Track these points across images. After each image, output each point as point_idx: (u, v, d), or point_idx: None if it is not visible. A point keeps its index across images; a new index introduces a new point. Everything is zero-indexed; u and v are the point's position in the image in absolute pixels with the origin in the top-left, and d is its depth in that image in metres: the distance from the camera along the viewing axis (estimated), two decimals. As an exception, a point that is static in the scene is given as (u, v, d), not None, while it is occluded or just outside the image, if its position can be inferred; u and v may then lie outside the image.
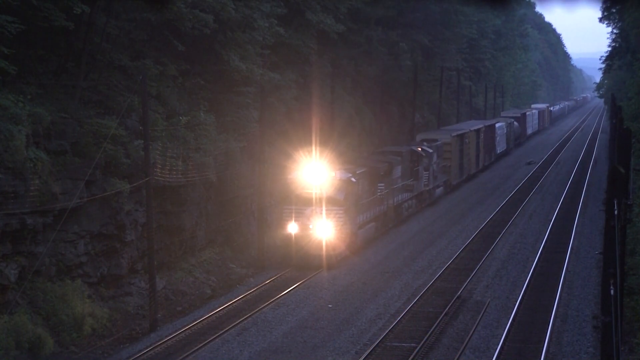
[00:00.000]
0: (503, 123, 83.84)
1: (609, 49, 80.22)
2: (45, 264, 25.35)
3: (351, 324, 27.18)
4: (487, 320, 27.33)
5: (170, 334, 25.96)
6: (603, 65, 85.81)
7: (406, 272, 34.52)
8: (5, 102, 23.95)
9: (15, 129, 23.52)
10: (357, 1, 50.76)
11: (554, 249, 38.91)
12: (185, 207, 32.95)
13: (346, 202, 35.10)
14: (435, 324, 26.64)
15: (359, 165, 39.14)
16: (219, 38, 35.56)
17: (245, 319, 27.71)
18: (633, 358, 23.34)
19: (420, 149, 48.63)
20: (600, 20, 74.76)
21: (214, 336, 25.76)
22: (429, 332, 25.67)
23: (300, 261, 34.35)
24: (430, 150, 50.21)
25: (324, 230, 34.31)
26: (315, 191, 34.62)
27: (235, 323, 27.14)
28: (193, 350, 24.54)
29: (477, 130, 67.36)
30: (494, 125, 77.33)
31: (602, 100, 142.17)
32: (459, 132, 60.42)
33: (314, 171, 34.80)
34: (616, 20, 73.06)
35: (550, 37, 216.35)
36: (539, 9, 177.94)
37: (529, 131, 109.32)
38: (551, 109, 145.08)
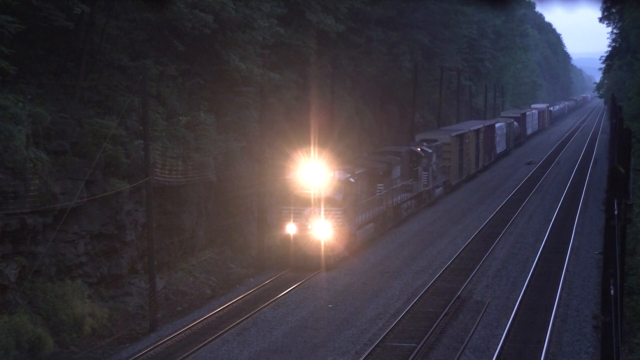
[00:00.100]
0: (503, 123, 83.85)
1: (609, 49, 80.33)
2: (45, 264, 25.34)
3: (351, 324, 27.17)
4: (487, 320, 27.32)
5: (170, 334, 25.96)
6: (603, 65, 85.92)
7: (406, 272, 34.52)
8: (5, 102, 23.94)
9: (15, 129, 23.52)
10: (357, 1, 50.76)
11: (554, 249, 38.91)
12: (185, 207, 32.94)
13: (345, 202, 34.99)
14: (435, 324, 26.63)
15: (357, 165, 39.00)
16: (219, 38, 35.56)
17: (245, 319, 27.70)
18: (633, 358, 23.34)
19: (419, 149, 48.56)
20: (600, 20, 74.85)
21: (214, 336, 25.75)
22: (429, 332, 25.67)
23: (299, 262, 34.23)
24: (430, 151, 50.15)
25: (322, 231, 34.17)
26: (314, 192, 34.47)
27: (235, 323, 27.13)
28: (193, 350, 24.53)
29: (477, 131, 67.35)
30: (493, 125, 77.34)
31: (602, 100, 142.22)
32: (459, 132, 60.40)
33: (313, 171, 34.67)
34: (616, 20, 73.11)
35: (550, 37, 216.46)
36: (539, 9, 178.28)
37: (529, 131, 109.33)
38: (551, 109, 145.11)
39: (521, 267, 35.29)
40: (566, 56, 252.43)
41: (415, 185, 47.26)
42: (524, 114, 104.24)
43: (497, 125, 79.11)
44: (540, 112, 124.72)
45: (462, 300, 29.90)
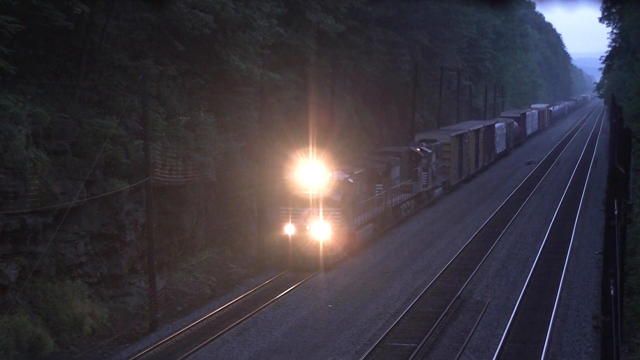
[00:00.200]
0: (502, 123, 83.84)
1: (609, 49, 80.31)
2: (45, 264, 25.34)
3: (351, 324, 27.17)
4: (487, 320, 27.32)
5: (170, 334, 25.95)
6: (603, 65, 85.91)
7: (406, 272, 34.51)
8: (5, 102, 23.95)
9: (15, 129, 23.52)
10: (357, 1, 50.76)
11: (554, 249, 38.91)
12: (185, 207, 32.94)
13: (343, 203, 34.84)
14: (435, 324, 26.63)
15: (356, 165, 38.85)
16: (219, 38, 35.56)
17: (245, 319, 27.70)
18: (633, 358, 23.34)
19: (419, 150, 48.45)
20: (600, 20, 74.83)
21: (214, 336, 25.75)
22: (429, 332, 25.67)
23: (297, 263, 34.11)
24: (429, 151, 50.07)
25: (321, 232, 34.04)
26: (312, 192, 34.34)
27: (235, 323, 27.13)
28: (193, 350, 24.53)
29: (477, 131, 67.33)
30: (493, 125, 77.33)
31: (602, 100, 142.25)
32: (458, 133, 60.37)
33: (311, 172, 34.55)
34: (616, 20, 73.10)
35: (550, 37, 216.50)
36: (539, 9, 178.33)
37: (529, 131, 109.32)
38: (551, 109, 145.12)
39: (521, 267, 35.29)
40: (566, 56, 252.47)
41: (414, 186, 47.15)
42: (524, 114, 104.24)
43: (496, 125, 79.11)
44: (540, 112, 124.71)
45: (462, 300, 29.90)
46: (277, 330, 26.62)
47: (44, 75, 28.16)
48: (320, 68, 50.83)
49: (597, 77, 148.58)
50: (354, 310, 28.79)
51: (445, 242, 40.88)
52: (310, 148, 35.80)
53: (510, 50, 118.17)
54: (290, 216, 34.28)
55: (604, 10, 70.68)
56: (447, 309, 28.35)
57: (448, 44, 77.73)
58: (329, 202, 34.36)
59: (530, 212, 50.02)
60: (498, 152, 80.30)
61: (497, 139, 79.01)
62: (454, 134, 58.86)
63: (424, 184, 49.47)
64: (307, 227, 34.14)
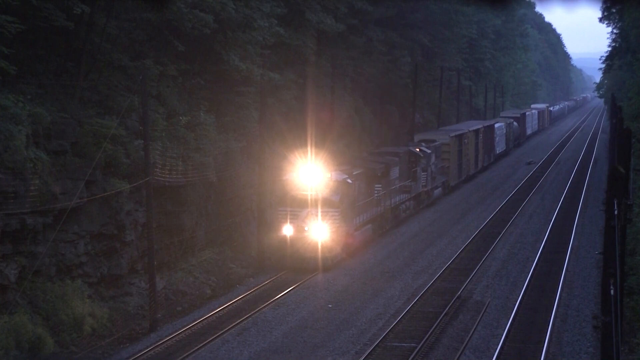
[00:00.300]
0: (502, 123, 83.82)
1: (609, 49, 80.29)
2: (45, 264, 25.34)
3: (351, 324, 27.17)
4: (487, 320, 27.33)
5: (170, 334, 25.96)
6: (603, 65, 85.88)
7: (406, 273, 34.51)
8: (5, 102, 23.95)
9: (15, 129, 23.52)
10: (358, 0, 50.75)
11: (554, 249, 38.91)
12: (185, 207, 32.94)
13: (342, 203, 34.71)
14: (435, 324, 26.63)
15: (355, 166, 38.71)
16: (219, 38, 35.55)
17: (245, 319, 27.70)
18: (633, 358, 23.34)
19: (418, 150, 48.35)
20: (600, 20, 74.81)
21: (214, 336, 25.75)
22: (429, 332, 25.67)
23: (296, 264, 33.97)
24: (429, 151, 49.99)
25: (319, 233, 33.90)
26: (311, 193, 34.20)
27: (235, 323, 27.13)
28: (193, 350, 24.53)
29: (476, 131, 67.31)
30: (493, 125, 77.31)
31: (602, 100, 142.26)
32: (458, 133, 60.33)
33: (309, 172, 34.41)
34: (616, 20, 73.08)
35: (550, 37, 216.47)
36: (539, 9, 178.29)
37: (529, 131, 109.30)
38: (551, 109, 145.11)
39: (521, 267, 35.29)
40: (566, 56, 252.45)
41: (413, 186, 47.02)
42: (524, 114, 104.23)
43: (496, 125, 79.10)
44: (540, 112, 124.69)
45: (462, 300, 29.90)
46: (277, 330, 26.62)
47: (44, 75, 28.16)
48: (320, 68, 50.82)
49: (597, 77, 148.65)
50: (354, 310, 28.79)
51: (445, 242, 40.88)
52: (309, 148, 35.71)
53: (510, 50, 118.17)
54: (288, 217, 34.14)
55: (604, 10, 70.71)
56: (447, 309, 28.35)
57: (448, 44, 77.72)
58: (327, 203, 34.24)
59: (530, 212, 50.02)
60: (498, 152, 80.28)
61: (497, 139, 79.00)
62: (453, 134, 58.83)
63: (423, 184, 49.38)
64: (306, 228, 33.99)
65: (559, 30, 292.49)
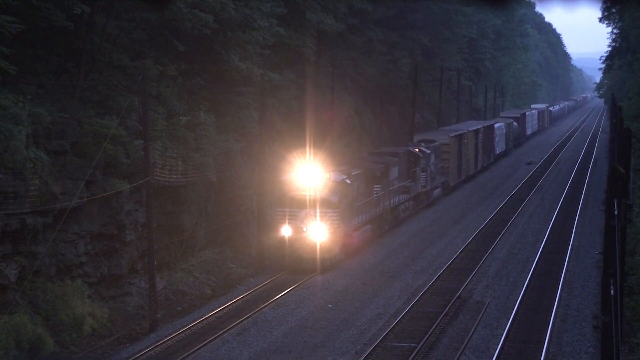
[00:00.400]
0: (502, 123, 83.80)
1: (609, 49, 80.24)
2: (45, 264, 25.34)
3: (351, 324, 27.18)
4: (487, 320, 27.33)
5: (170, 334, 25.96)
6: (603, 65, 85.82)
7: (406, 273, 34.50)
8: (5, 102, 23.95)
9: (15, 129, 23.52)
10: (357, 0, 50.74)
11: (554, 249, 38.91)
12: (185, 207, 32.94)
13: (341, 204, 34.57)
14: (435, 324, 26.64)
15: (354, 166, 38.58)
16: (219, 38, 35.56)
17: (245, 319, 27.70)
18: (633, 358, 23.34)
19: (417, 150, 48.25)
20: (600, 20, 74.75)
21: (214, 336, 25.75)
22: (429, 332, 25.67)
23: (294, 264, 33.86)
24: (428, 151, 49.91)
25: (318, 233, 33.77)
26: (309, 193, 34.05)
27: (235, 323, 27.14)
28: (193, 350, 24.53)
29: (476, 131, 67.28)
30: (492, 125, 77.29)
31: (602, 100, 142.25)
32: (458, 133, 60.29)
33: (308, 173, 34.25)
34: (616, 20, 73.03)
35: (550, 37, 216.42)
36: (539, 9, 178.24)
37: (529, 131, 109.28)
38: (551, 109, 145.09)
39: (521, 267, 35.29)
40: (566, 56, 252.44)
41: (413, 186, 46.90)
42: (524, 114, 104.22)
43: (496, 125, 79.08)
44: (540, 112, 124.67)
45: (462, 300, 29.90)
46: (277, 330, 26.62)
47: (44, 75, 28.16)
48: (320, 68, 50.82)
49: (597, 77, 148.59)
50: (354, 310, 28.79)
51: (445, 243, 40.87)
52: (308, 149, 35.58)
53: (510, 50, 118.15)
54: (287, 217, 34.02)
55: (604, 10, 70.65)
56: (447, 309, 28.35)
57: (448, 44, 77.69)
58: (326, 203, 34.10)
59: (530, 212, 50.02)
60: (497, 152, 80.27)
61: (497, 139, 78.99)
62: (453, 134, 58.79)
63: (423, 184, 49.28)
64: (304, 229, 33.84)
65: (559, 30, 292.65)
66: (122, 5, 32.08)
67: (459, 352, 24.03)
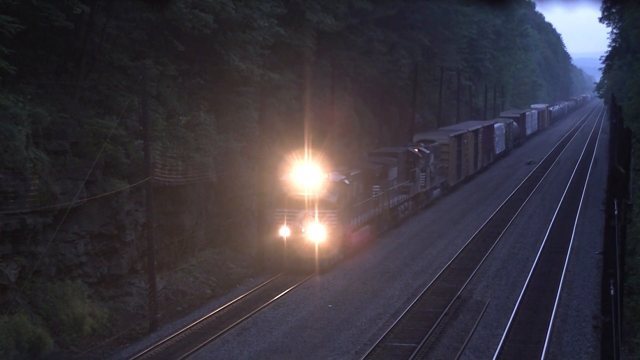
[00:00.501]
0: (502, 123, 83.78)
1: (609, 49, 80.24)
2: (45, 264, 25.35)
3: (351, 324, 27.18)
4: (487, 320, 27.33)
5: (170, 334, 25.96)
6: (603, 65, 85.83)
7: (406, 273, 34.50)
8: (5, 102, 23.96)
9: (15, 129, 23.53)
10: (357, 0, 50.76)
11: (554, 249, 38.91)
12: (185, 207, 32.95)
13: (339, 204, 34.43)
14: (435, 324, 26.64)
15: (353, 166, 38.45)
16: (219, 38, 35.57)
17: (245, 319, 27.70)
18: (633, 358, 23.35)
19: (417, 150, 48.16)
20: (600, 20, 74.76)
21: (214, 336, 25.75)
22: (429, 332, 25.67)
23: (292, 265, 33.74)
24: (427, 151, 49.84)
25: (316, 234, 33.63)
26: (308, 194, 33.89)
27: (235, 323, 27.14)
28: (193, 350, 24.53)
29: (476, 131, 67.26)
30: (492, 125, 77.27)
31: (602, 100, 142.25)
32: (457, 133, 60.25)
33: (306, 173, 34.11)
34: (616, 20, 73.04)
35: (550, 37, 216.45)
36: (539, 9, 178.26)
37: (528, 131, 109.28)
38: (551, 109, 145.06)
39: (521, 267, 35.29)
40: (566, 56, 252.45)
41: (412, 187, 46.75)
42: (524, 114, 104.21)
43: (496, 125, 79.07)
44: (540, 112, 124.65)
45: (462, 300, 29.91)
46: (277, 330, 26.62)
47: (44, 75, 28.16)
48: (320, 68, 50.83)
49: (597, 77, 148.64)
50: (354, 310, 28.79)
51: (445, 243, 40.87)
52: (306, 149, 35.47)
53: (510, 50, 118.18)
54: (285, 218, 33.89)
55: (604, 10, 70.64)
56: (447, 309, 28.35)
57: (448, 44, 77.73)
58: (324, 204, 33.96)
59: (530, 212, 50.02)
60: (497, 152, 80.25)
61: (496, 139, 78.97)
62: (452, 134, 58.75)
63: (422, 184, 49.18)
64: (303, 229, 33.70)
65: (559, 30, 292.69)
66: (122, 5, 32.08)
67: (459, 352, 24.03)
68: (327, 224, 33.86)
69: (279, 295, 30.52)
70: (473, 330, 26.15)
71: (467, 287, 31.74)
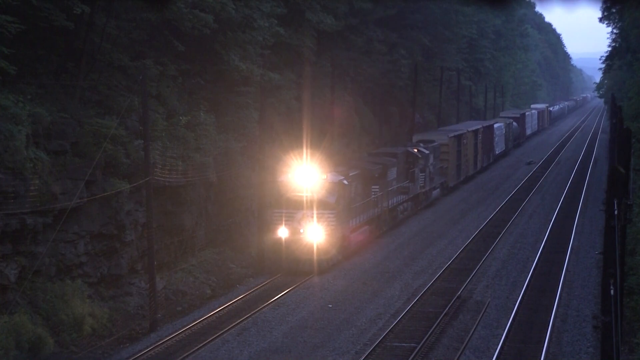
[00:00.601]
0: (502, 124, 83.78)
1: (609, 49, 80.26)
2: (45, 264, 25.35)
3: (351, 324, 27.17)
4: (487, 320, 27.33)
5: (170, 334, 25.96)
6: (603, 65, 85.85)
7: (406, 273, 34.50)
8: (5, 102, 23.96)
9: (15, 129, 23.53)
10: (357, 1, 50.77)
11: (554, 249, 38.91)
12: (185, 207, 32.95)
13: (338, 205, 34.32)
14: (435, 324, 26.63)
15: (351, 167, 38.37)
16: (219, 38, 35.56)
17: (245, 319, 27.70)
18: (633, 358, 23.35)
19: (416, 150, 48.07)
20: (600, 20, 74.76)
21: (214, 336, 25.75)
22: (429, 332, 25.67)
23: (291, 266, 33.65)
24: (427, 152, 49.77)
25: (314, 235, 33.52)
26: (306, 194, 33.76)
27: (235, 323, 27.13)
28: (193, 350, 24.53)
29: (475, 131, 67.22)
30: (492, 125, 77.26)
31: (602, 100, 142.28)
32: (457, 133, 60.21)
33: (305, 173, 34.00)
34: (616, 20, 73.04)
35: (550, 37, 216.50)
36: (539, 9, 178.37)
37: (528, 132, 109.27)
38: (550, 109, 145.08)
39: (521, 267, 35.29)
40: (566, 56, 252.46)
41: (411, 187, 46.61)
42: (523, 114, 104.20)
43: (495, 125, 79.06)
44: (540, 112, 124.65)
45: (462, 300, 29.90)
46: (277, 330, 26.62)
47: (44, 75, 28.17)
48: (320, 68, 50.83)
49: (597, 77, 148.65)
50: (354, 310, 28.78)
51: (445, 243, 40.87)
52: (305, 149, 35.37)
53: (510, 50, 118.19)
54: (283, 219, 33.77)
55: (604, 10, 70.64)
56: (447, 309, 28.34)
57: (448, 44, 77.72)
58: (323, 204, 33.83)
59: (530, 212, 50.02)
60: (497, 152, 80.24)
61: (496, 139, 78.96)
62: (452, 134, 58.72)
63: (422, 185, 49.10)
64: (301, 230, 33.60)
65: (559, 30, 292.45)
66: (122, 5, 32.08)
67: (459, 352, 24.03)
68: (325, 225, 33.77)
69: (279, 295, 30.52)
70: (473, 330, 26.14)
71: (467, 287, 31.74)
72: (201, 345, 24.93)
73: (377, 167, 40.76)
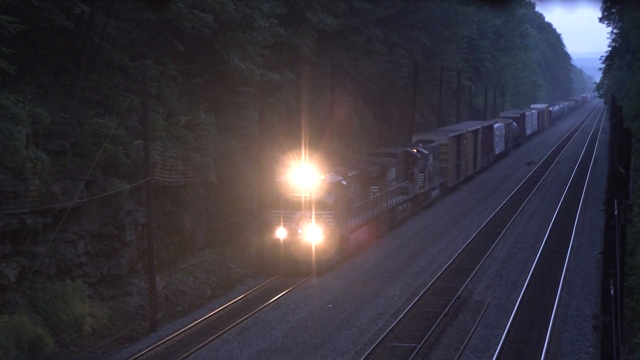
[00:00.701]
0: (501, 124, 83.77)
1: (609, 49, 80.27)
2: (45, 264, 25.35)
3: (351, 324, 27.17)
4: (487, 320, 27.32)
5: (170, 334, 25.96)
6: (603, 65, 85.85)
7: (406, 273, 34.49)
8: (5, 102, 23.96)
9: (15, 129, 23.53)
10: (357, 1, 50.78)
11: (554, 249, 38.91)
12: (185, 207, 32.95)
13: (336, 205, 34.18)
14: (435, 324, 26.63)
15: (350, 167, 38.28)
16: (219, 38, 35.57)
17: (245, 319, 27.70)
18: (633, 358, 23.35)
19: (415, 150, 47.98)
20: (600, 20, 74.79)
21: (214, 336, 25.75)
22: (429, 332, 25.66)
23: (289, 267, 33.55)
24: (426, 152, 49.68)
25: (313, 235, 33.40)
26: (304, 195, 33.64)
27: (235, 323, 27.13)
28: (193, 350, 24.53)
29: (475, 131, 67.18)
30: (492, 125, 77.22)
31: (602, 100, 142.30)
32: (456, 133, 60.16)
33: (303, 174, 33.88)
34: (616, 20, 73.07)
35: (550, 37, 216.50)
36: (539, 9, 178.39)
37: (528, 132, 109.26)
38: (550, 109, 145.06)
39: (521, 267, 35.29)
40: (566, 56, 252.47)
41: (411, 187, 46.51)
42: (523, 114, 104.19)
43: (495, 125, 79.04)
44: (540, 112, 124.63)
45: (462, 300, 29.90)
46: (277, 330, 26.62)
47: (44, 75, 28.17)
48: (320, 68, 50.83)
49: (597, 77, 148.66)
50: (354, 310, 28.78)
51: (445, 243, 40.87)
52: (303, 149, 35.28)
53: (510, 50, 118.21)
54: (281, 219, 33.62)
55: (604, 10, 70.67)
56: (447, 309, 28.34)
57: (448, 44, 77.75)
58: (321, 205, 33.69)
59: (530, 212, 50.02)
60: (497, 152, 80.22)
61: (496, 139, 78.95)
62: (451, 134, 58.66)
63: (421, 185, 49.01)
64: (299, 231, 33.49)
65: (559, 30, 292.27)
66: (122, 5, 32.07)
67: (459, 352, 24.02)
68: (324, 226, 33.65)
69: (279, 295, 30.52)
70: (473, 330, 26.14)
71: (467, 287, 31.73)
72: (201, 345, 24.92)
73: (376, 168, 40.66)
